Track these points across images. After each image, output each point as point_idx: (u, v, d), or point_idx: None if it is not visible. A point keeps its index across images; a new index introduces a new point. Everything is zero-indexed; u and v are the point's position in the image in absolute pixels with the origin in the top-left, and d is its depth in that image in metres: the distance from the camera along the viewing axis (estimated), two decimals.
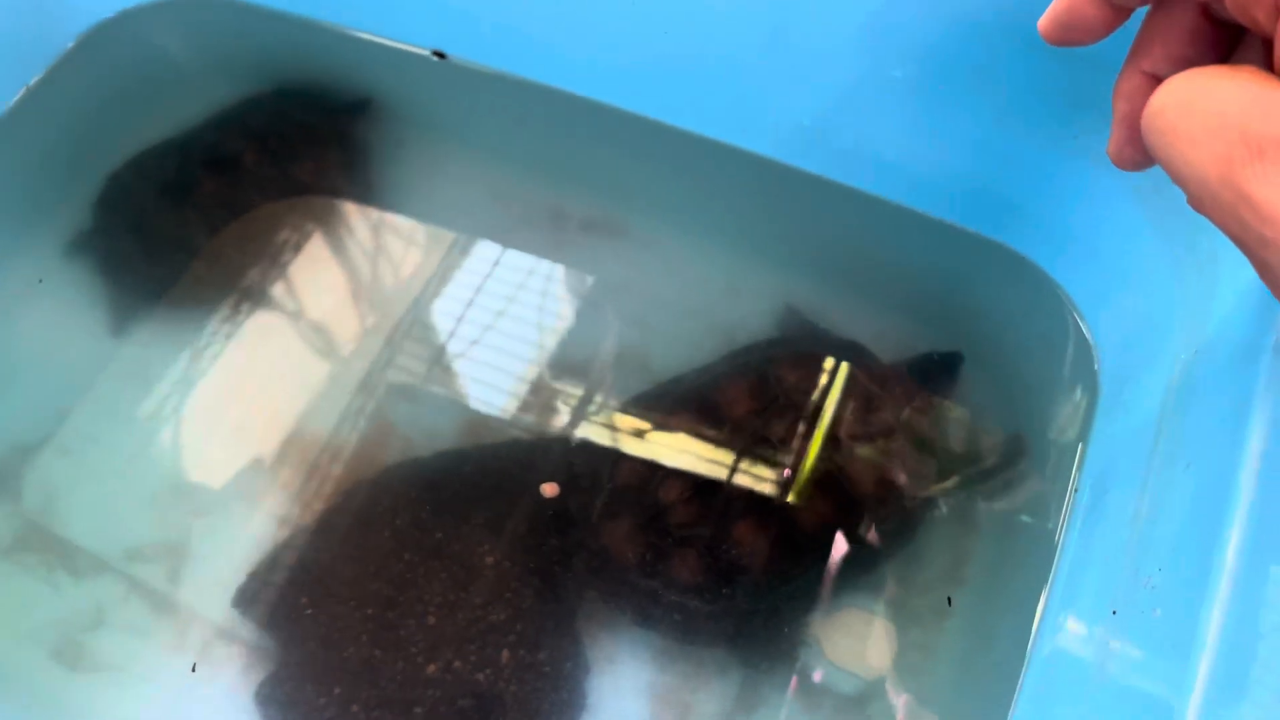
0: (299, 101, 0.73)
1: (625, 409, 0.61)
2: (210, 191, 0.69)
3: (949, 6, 0.51)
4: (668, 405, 0.61)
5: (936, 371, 0.62)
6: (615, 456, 0.59)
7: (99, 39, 0.75)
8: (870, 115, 0.60)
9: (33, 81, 0.72)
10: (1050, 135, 0.56)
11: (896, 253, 0.66)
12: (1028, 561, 0.56)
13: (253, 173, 0.70)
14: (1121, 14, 0.34)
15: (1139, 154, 0.35)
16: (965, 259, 0.64)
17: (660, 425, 0.61)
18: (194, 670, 0.54)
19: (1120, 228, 0.56)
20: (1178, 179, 0.28)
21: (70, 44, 0.74)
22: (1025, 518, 0.58)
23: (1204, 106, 0.27)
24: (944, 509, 0.59)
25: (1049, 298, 0.62)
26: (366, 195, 0.70)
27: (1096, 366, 0.59)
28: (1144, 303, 0.54)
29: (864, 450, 0.59)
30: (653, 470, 0.59)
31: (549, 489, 0.59)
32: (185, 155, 0.70)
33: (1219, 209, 0.27)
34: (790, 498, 0.58)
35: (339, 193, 0.70)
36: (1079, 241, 0.59)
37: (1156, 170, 0.36)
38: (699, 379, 0.62)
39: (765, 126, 0.64)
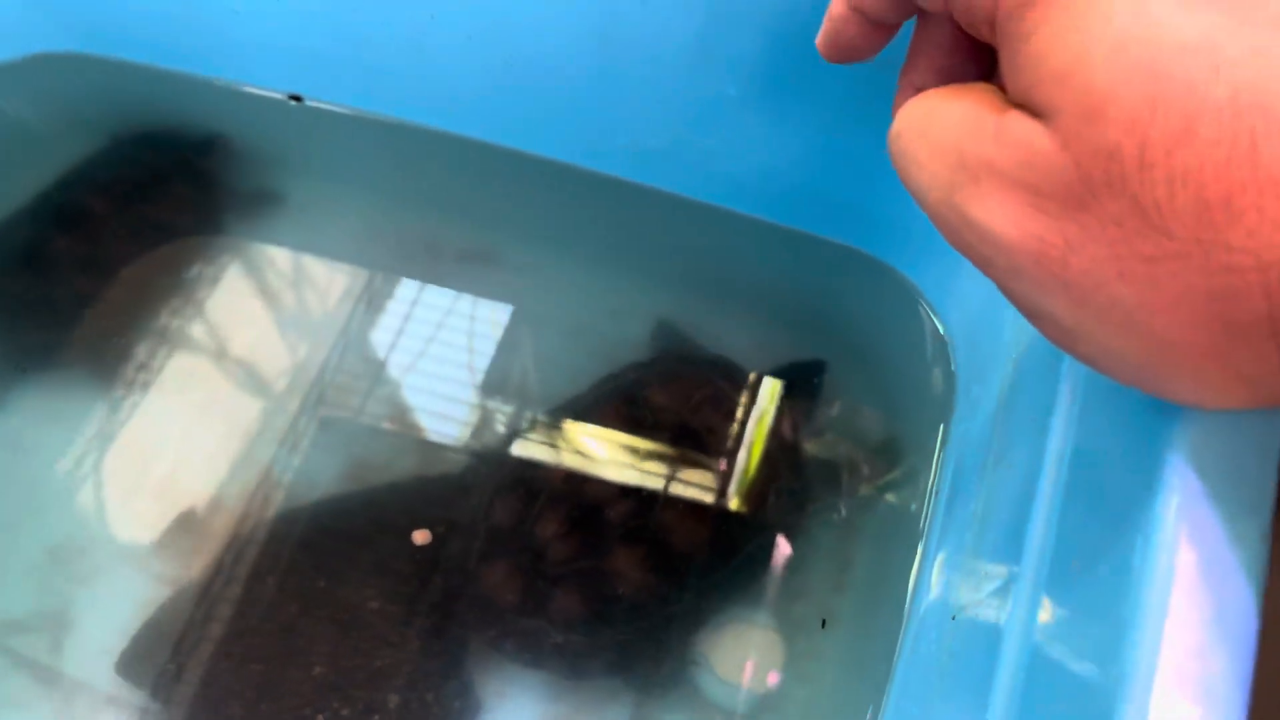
0: (146, 147, 0.72)
1: (502, 441, 0.62)
2: (65, 249, 0.68)
3: (765, 24, 0.52)
4: (545, 437, 0.61)
5: (801, 380, 0.63)
6: (491, 494, 0.59)
7: None
8: (711, 132, 0.60)
9: None
10: (881, 136, 0.56)
11: (759, 264, 0.67)
12: (898, 560, 0.57)
13: (105, 222, 0.69)
14: (886, 31, 0.34)
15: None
16: (824, 265, 0.65)
17: (537, 458, 0.61)
18: None
19: None
20: (916, 201, 0.29)
21: None
22: (894, 520, 0.59)
23: (930, 129, 0.28)
24: (820, 517, 0.59)
25: (904, 296, 0.63)
26: (229, 228, 0.69)
27: (953, 365, 0.60)
28: (986, 294, 0.55)
29: (733, 466, 0.60)
30: (528, 505, 0.59)
31: (420, 536, 0.59)
32: (35, 218, 0.69)
33: (948, 230, 0.27)
34: (665, 520, 0.58)
35: (199, 230, 0.69)
36: (924, 240, 0.60)
37: None
38: (571, 410, 0.62)
39: (616, 149, 0.65)
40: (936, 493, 0.56)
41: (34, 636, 0.56)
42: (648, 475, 0.60)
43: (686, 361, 0.64)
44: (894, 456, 0.60)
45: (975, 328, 0.57)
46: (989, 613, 0.37)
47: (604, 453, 0.61)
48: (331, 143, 0.72)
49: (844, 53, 0.35)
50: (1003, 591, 0.36)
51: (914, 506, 0.57)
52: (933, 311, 0.62)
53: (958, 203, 0.26)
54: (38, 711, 0.55)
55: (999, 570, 0.38)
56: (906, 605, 0.53)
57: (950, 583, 0.46)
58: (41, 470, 0.61)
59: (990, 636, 0.35)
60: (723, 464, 0.60)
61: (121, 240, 0.69)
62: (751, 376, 0.63)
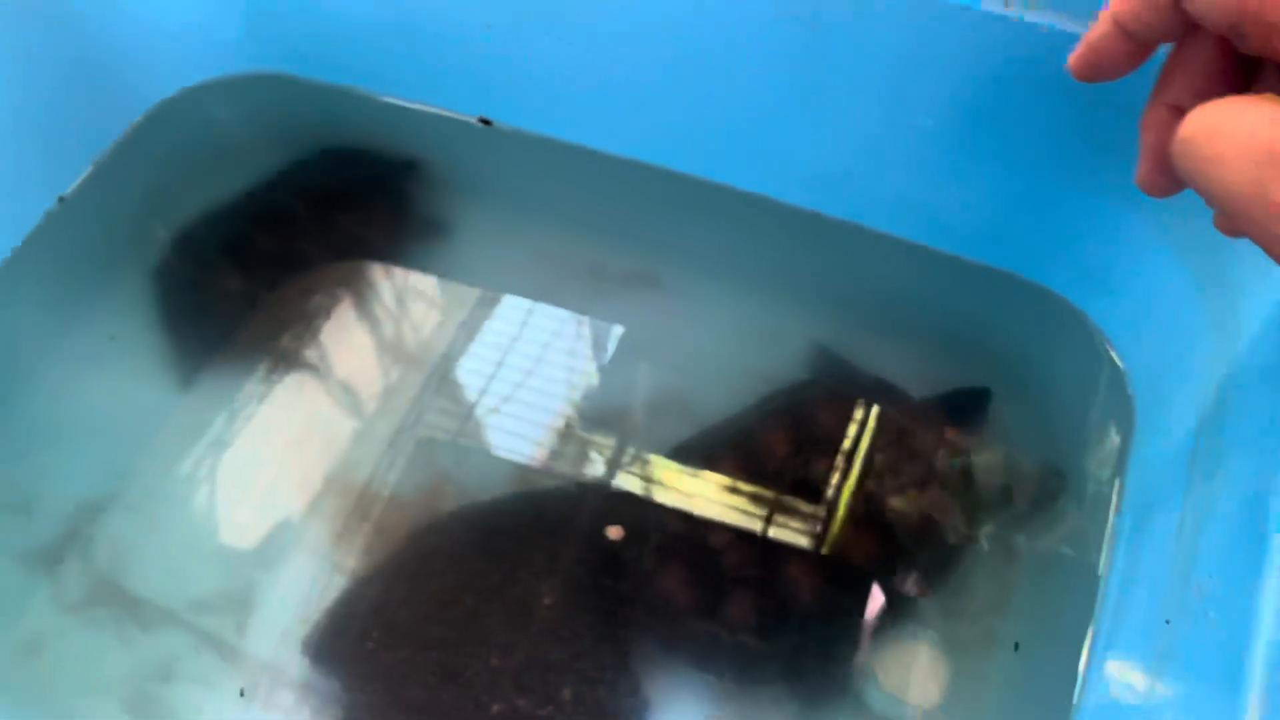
0: (348, 164, 0.77)
1: (670, 456, 0.63)
2: (265, 246, 0.72)
3: (972, 56, 0.55)
4: (710, 452, 0.63)
5: (966, 407, 0.64)
6: (662, 507, 0.61)
7: (161, 114, 0.79)
8: (898, 163, 0.63)
9: (102, 153, 0.75)
10: (1073, 175, 0.58)
11: (926, 293, 0.68)
12: (1073, 589, 0.57)
13: (304, 227, 0.73)
14: (1145, 50, 0.36)
15: (1166, 181, 0.37)
16: (994, 297, 0.67)
17: (704, 472, 0.62)
18: (242, 694, 0.56)
19: (1145, 259, 0.58)
20: (1211, 199, 0.30)
21: (136, 119, 0.78)
22: (1066, 548, 0.59)
23: (1231, 130, 0.30)
24: (985, 543, 0.60)
25: (1079, 331, 0.64)
26: (412, 249, 0.73)
27: (1130, 394, 0.61)
28: (1173, 329, 0.56)
29: (903, 488, 0.61)
30: (699, 518, 0.61)
31: (614, 531, 0.60)
32: (242, 215, 0.74)
33: (1253, 224, 0.29)
34: (835, 536, 0.60)
35: (387, 247, 0.74)
36: (1106, 275, 0.61)
37: (1179, 202, 0.39)
38: (736, 426, 0.64)
39: (795, 176, 0.67)
40: (1116, 517, 0.57)
41: (221, 617, 0.59)
42: (816, 492, 0.61)
43: (849, 383, 0.66)
44: (1065, 483, 0.61)
45: (1157, 356, 0.58)
46: (1213, 629, 0.38)
47: (770, 470, 0.62)
48: (512, 165, 0.76)
49: (1099, 72, 0.37)
50: (1230, 599, 0.36)
51: (1089, 535, 0.58)
52: (1108, 343, 0.63)
53: (1270, 194, 0.28)
54: (224, 689, 0.57)
55: (1217, 581, 0.39)
56: (1089, 631, 0.53)
57: (1148, 601, 0.47)
58: (226, 457, 0.65)
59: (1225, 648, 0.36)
60: (890, 484, 0.61)
61: (315, 245, 0.73)
62: (916, 400, 0.65)
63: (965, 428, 0.63)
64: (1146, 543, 0.51)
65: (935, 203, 0.65)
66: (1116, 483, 0.58)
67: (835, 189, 0.67)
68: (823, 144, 0.65)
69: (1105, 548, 0.57)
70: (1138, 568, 0.52)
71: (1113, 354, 0.63)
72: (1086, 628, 0.54)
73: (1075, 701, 0.52)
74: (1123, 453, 0.59)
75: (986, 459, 0.63)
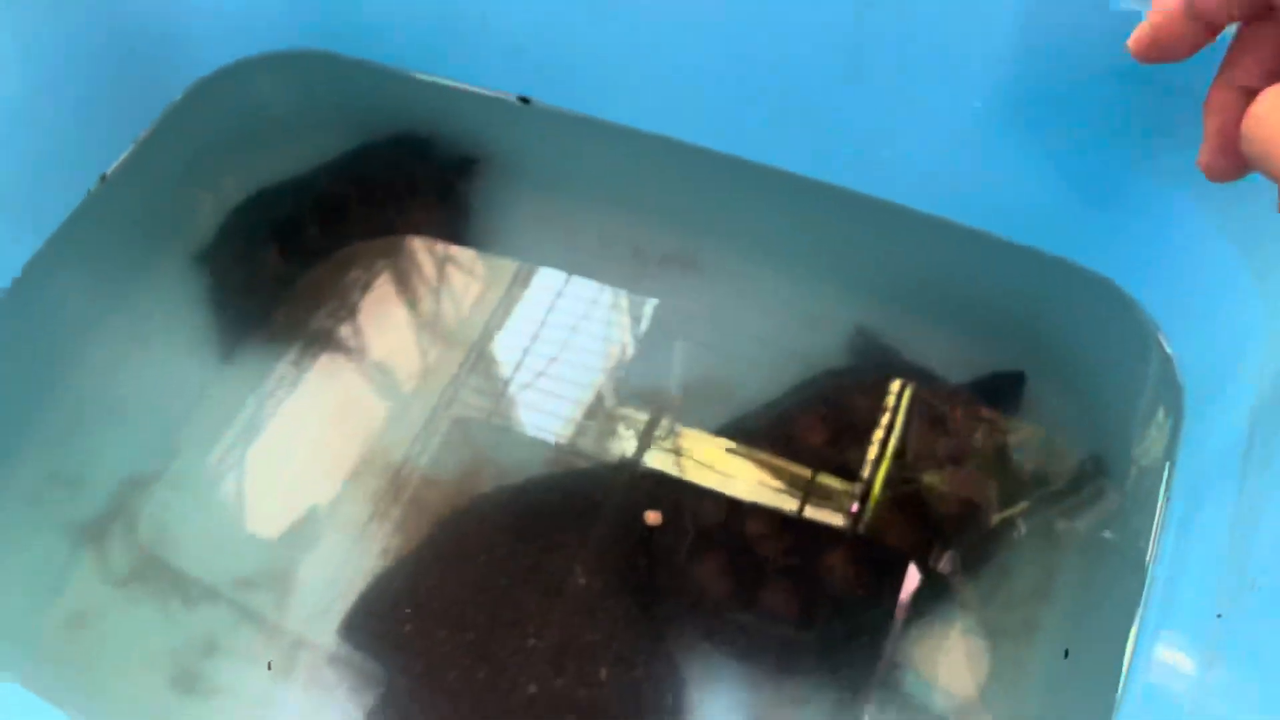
0: (393, 145, 0.77)
1: (706, 443, 0.63)
2: (307, 226, 0.72)
3: (1026, 38, 0.53)
4: (746, 438, 0.63)
5: (1001, 391, 0.63)
6: (699, 492, 0.61)
7: (202, 92, 0.79)
8: (948, 144, 0.62)
9: (143, 132, 0.76)
10: (1127, 158, 0.57)
11: (973, 276, 0.67)
12: (1118, 577, 0.56)
13: (347, 207, 0.73)
14: (1210, 31, 0.35)
15: (1230, 165, 0.36)
16: (1042, 282, 0.66)
17: (740, 459, 0.62)
18: (269, 668, 0.56)
19: (1200, 245, 0.57)
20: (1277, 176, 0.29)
21: (177, 97, 0.79)
22: (1111, 535, 0.58)
23: None
24: (1025, 528, 0.59)
25: (1129, 317, 0.63)
26: (451, 228, 0.73)
27: (1180, 382, 0.59)
28: (1227, 316, 0.55)
29: (939, 473, 0.60)
30: (736, 504, 0.60)
31: (652, 516, 0.60)
32: (298, 198, 0.74)
33: None
34: (873, 523, 0.59)
35: (426, 227, 0.73)
36: (1158, 261, 0.60)
37: (1238, 188, 0.38)
38: (772, 412, 0.63)
39: (843, 158, 0.66)
40: (1165, 505, 0.55)
41: (262, 594, 0.60)
42: (854, 479, 0.61)
43: (886, 368, 0.65)
44: (1104, 475, 0.60)
45: (1210, 345, 0.57)
46: (1269, 627, 0.37)
47: (807, 455, 0.62)
48: (554, 146, 0.75)
49: (1161, 54, 0.36)
50: None
51: (1136, 524, 0.57)
52: (1158, 329, 0.62)
53: None
54: (263, 664, 0.57)
55: (1272, 578, 0.38)
56: (1135, 621, 0.53)
57: (1198, 593, 0.46)
58: (268, 436, 0.65)
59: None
60: (927, 470, 0.61)
61: (356, 225, 0.73)
62: (951, 385, 0.64)
63: (1001, 411, 0.62)
64: (1197, 533, 0.50)
65: (984, 185, 0.64)
66: (1166, 470, 0.57)
67: (881, 170, 0.66)
68: (869, 124, 0.64)
69: (1153, 536, 0.56)
70: (1187, 558, 0.51)
71: (1162, 341, 0.61)
72: (1133, 617, 0.53)
73: (1119, 692, 0.51)
74: (1172, 440, 0.58)
75: (1023, 442, 0.62)
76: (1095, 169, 0.59)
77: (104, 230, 0.72)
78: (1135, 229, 0.60)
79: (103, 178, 0.72)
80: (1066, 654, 0.54)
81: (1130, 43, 0.37)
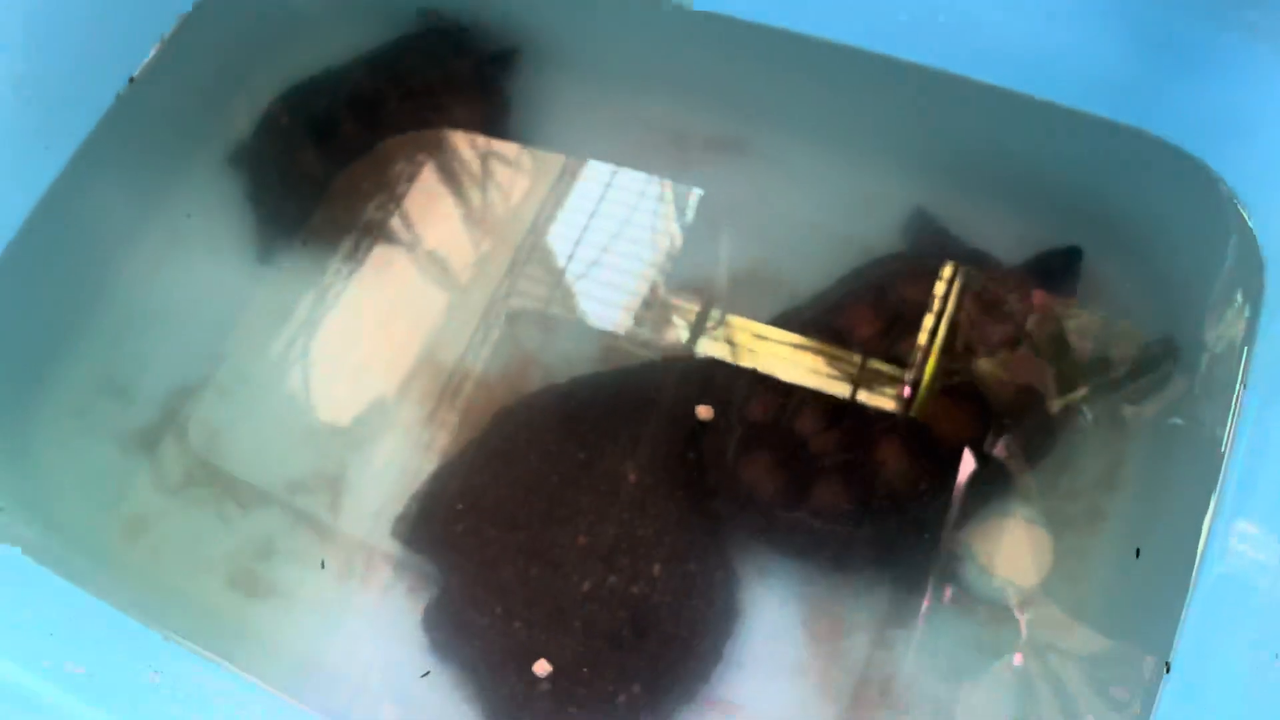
0: (442, 45, 0.73)
1: (756, 336, 0.61)
2: (350, 133, 0.70)
3: None
4: (796, 331, 0.60)
5: (1057, 269, 0.60)
6: (747, 388, 0.59)
7: None
8: (1009, 6, 0.57)
9: (167, 32, 0.74)
10: (1209, 11, 0.52)
11: (1037, 151, 0.63)
12: (1190, 467, 0.54)
13: (384, 101, 0.71)
14: None
15: None
16: (1113, 154, 0.62)
17: (790, 352, 0.60)
18: (323, 566, 0.57)
19: None
20: None
21: None
22: (1181, 421, 0.56)
23: None
24: (1088, 415, 0.57)
25: (1208, 191, 0.59)
26: (490, 118, 0.71)
27: (1263, 257, 0.56)
28: None
29: (993, 359, 0.58)
30: (785, 400, 0.58)
31: (704, 411, 0.59)
32: (333, 94, 0.71)
33: None
34: (927, 413, 0.57)
35: (466, 118, 0.71)
36: (1242, 128, 0.56)
37: None
38: (821, 304, 0.61)
39: (898, 25, 0.62)
40: (1243, 390, 0.53)
41: (315, 497, 0.60)
42: (906, 370, 0.58)
43: (939, 254, 0.62)
44: (1173, 358, 0.57)
45: None
46: None
47: (857, 347, 0.59)
48: (590, 27, 0.72)
49: None
50: None
51: (1210, 411, 0.54)
52: (1238, 201, 0.58)
53: None
54: (318, 564, 0.58)
55: None
56: (1208, 513, 0.50)
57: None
58: (310, 339, 0.65)
59: None
60: (982, 358, 0.58)
61: (395, 118, 0.71)
62: (1005, 267, 0.60)
63: (1058, 290, 0.59)
64: (1277, 416, 0.47)
65: (1049, 50, 0.59)
66: (1243, 355, 0.54)
67: (939, 38, 0.62)
68: None
69: (1230, 422, 0.53)
70: (1269, 442, 0.48)
71: (1243, 213, 0.58)
72: (1206, 504, 0.51)
73: (1192, 581, 0.49)
74: (1251, 324, 0.55)
75: (1085, 325, 0.59)
76: (1171, 27, 0.54)
77: (137, 133, 0.71)
78: (1215, 93, 0.56)
79: (131, 80, 0.71)
80: (1138, 553, 0.53)
81: None
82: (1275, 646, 0.39)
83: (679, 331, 0.62)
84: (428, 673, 0.55)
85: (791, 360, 0.60)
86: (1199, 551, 0.50)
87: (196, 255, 0.68)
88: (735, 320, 0.62)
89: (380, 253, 0.67)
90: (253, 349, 0.64)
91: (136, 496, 0.61)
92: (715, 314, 0.62)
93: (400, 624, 0.56)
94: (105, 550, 0.59)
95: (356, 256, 0.67)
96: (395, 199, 0.68)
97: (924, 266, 0.61)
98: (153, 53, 0.72)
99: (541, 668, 0.53)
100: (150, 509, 0.60)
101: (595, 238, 0.66)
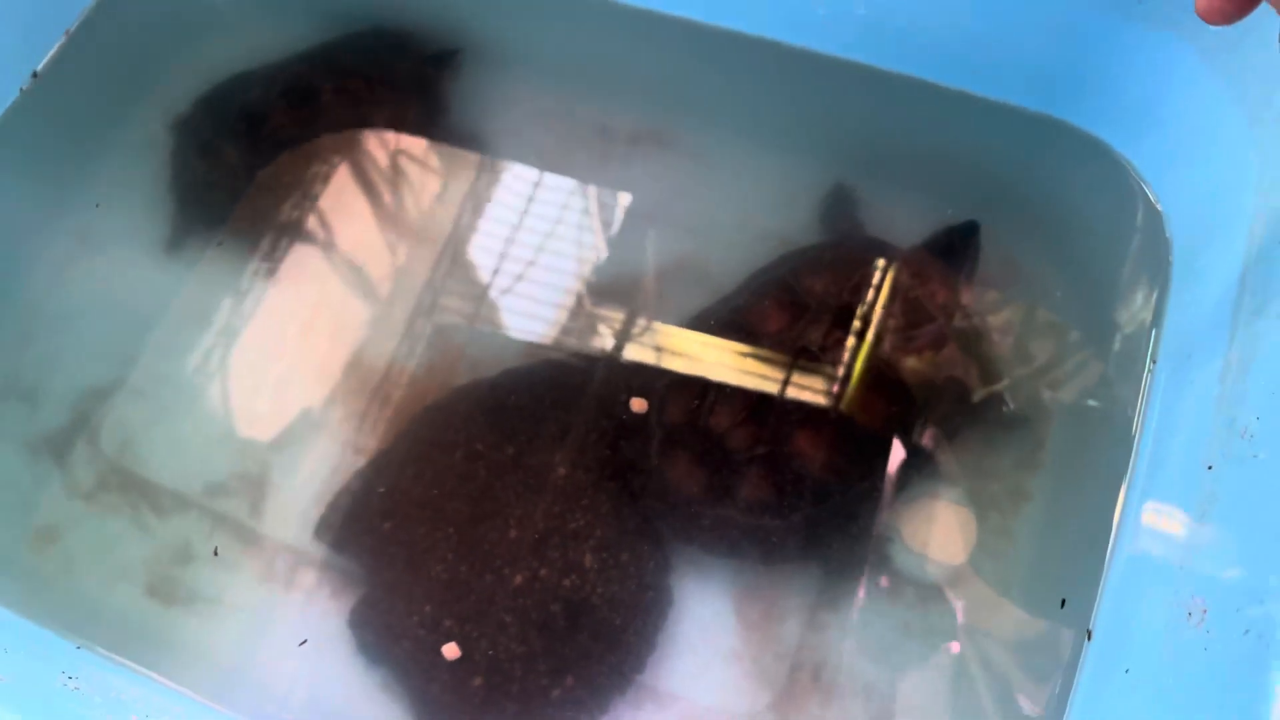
0: (383, 45, 0.72)
1: (676, 336, 0.61)
2: (280, 125, 0.69)
3: None
4: (710, 330, 0.61)
5: (956, 245, 0.61)
6: (666, 389, 0.59)
7: None
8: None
9: (73, 23, 0.71)
10: (1110, 4, 0.54)
11: (954, 140, 0.65)
12: (1104, 445, 0.55)
13: (328, 110, 0.70)
14: None
15: (1230, 5, 0.34)
16: (1027, 141, 0.63)
17: (706, 352, 0.60)
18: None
19: (1187, 93, 0.54)
20: None
21: None
22: (1096, 403, 0.58)
23: None
24: (1008, 393, 0.58)
25: (1116, 176, 0.61)
26: (435, 134, 0.70)
27: (1169, 238, 0.58)
28: (1217, 165, 0.53)
29: (901, 344, 0.59)
30: (701, 400, 0.58)
31: (637, 404, 0.59)
32: (266, 85, 0.70)
33: None
34: (839, 402, 0.58)
35: (381, 115, 0.70)
36: (1143, 111, 0.58)
37: (1230, 29, 0.36)
38: (729, 304, 0.61)
39: (816, 20, 0.63)
40: (1151, 366, 0.54)
41: (235, 500, 0.58)
42: (820, 361, 0.59)
43: (840, 246, 0.63)
44: (1093, 330, 0.59)
45: (1199, 196, 0.55)
46: (1262, 469, 0.36)
47: (769, 341, 0.60)
48: (507, 20, 0.71)
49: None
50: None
51: (1122, 384, 0.56)
52: (1145, 184, 0.60)
53: None
54: (244, 570, 0.56)
55: (1265, 421, 0.37)
56: (1123, 483, 0.52)
57: (1187, 450, 0.45)
58: (228, 337, 0.63)
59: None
60: (891, 338, 0.59)
61: (308, 117, 0.69)
62: (906, 250, 0.61)
63: (959, 265, 0.61)
64: (1186, 390, 0.49)
65: (963, 42, 0.61)
66: (1151, 335, 0.56)
67: (856, 31, 0.63)
68: None
69: (1140, 398, 0.55)
70: (1175, 417, 0.50)
71: (1150, 196, 0.60)
72: (1121, 480, 0.53)
73: (1108, 553, 0.51)
74: (1159, 301, 0.57)
75: (999, 305, 0.60)
76: (1077, 14, 0.56)
77: (42, 128, 0.68)
78: (1121, 78, 0.58)
79: (35, 74, 0.68)
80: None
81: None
82: (1187, 607, 0.40)
83: (603, 329, 0.62)
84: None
85: (706, 359, 0.60)
86: (1114, 527, 0.51)
87: (107, 253, 0.66)
88: (657, 320, 0.62)
89: (304, 249, 0.66)
90: (166, 350, 0.63)
91: (47, 504, 0.58)
92: (640, 309, 0.62)
93: (326, 626, 0.55)
94: (14, 561, 0.57)
95: (279, 253, 0.65)
96: (322, 194, 0.67)
97: (828, 258, 0.62)
98: (58, 46, 0.70)
99: (451, 651, 0.52)
100: (62, 517, 0.58)
101: (523, 235, 0.66)
